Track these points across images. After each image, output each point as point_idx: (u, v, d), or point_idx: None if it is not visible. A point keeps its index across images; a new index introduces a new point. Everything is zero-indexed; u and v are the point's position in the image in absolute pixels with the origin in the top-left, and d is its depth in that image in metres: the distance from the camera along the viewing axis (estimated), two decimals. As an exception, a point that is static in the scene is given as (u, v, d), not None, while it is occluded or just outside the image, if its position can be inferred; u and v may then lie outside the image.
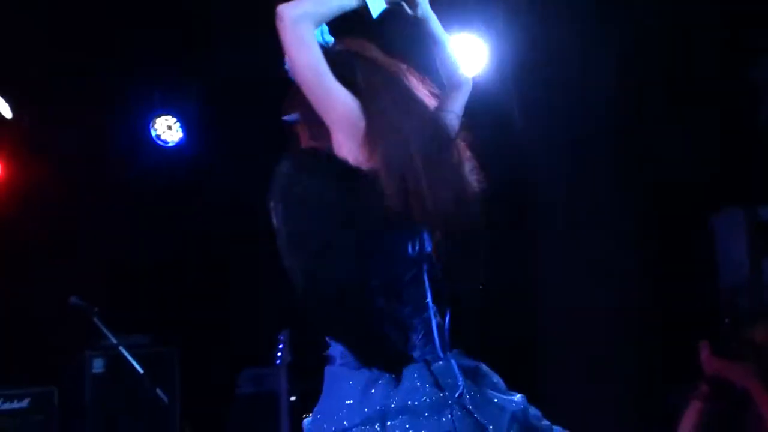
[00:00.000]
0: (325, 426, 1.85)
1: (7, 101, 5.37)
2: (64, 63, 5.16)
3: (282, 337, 4.31)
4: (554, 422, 2.01)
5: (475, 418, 1.83)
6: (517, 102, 4.74)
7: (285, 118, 2.10)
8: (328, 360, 1.94)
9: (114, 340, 4.35)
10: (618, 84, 4.52)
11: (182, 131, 5.59)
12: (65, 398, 5.05)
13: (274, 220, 1.85)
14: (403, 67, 2.08)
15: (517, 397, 1.96)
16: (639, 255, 4.50)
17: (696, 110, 4.36)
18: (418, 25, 2.17)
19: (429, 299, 1.95)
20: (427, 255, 1.96)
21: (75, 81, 5.22)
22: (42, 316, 5.23)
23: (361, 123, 1.91)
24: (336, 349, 1.93)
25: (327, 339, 1.95)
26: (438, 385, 1.84)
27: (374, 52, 2.07)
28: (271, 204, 1.86)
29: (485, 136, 5.00)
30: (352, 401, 1.82)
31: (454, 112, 2.13)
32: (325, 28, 2.09)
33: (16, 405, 4.91)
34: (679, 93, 4.41)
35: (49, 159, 5.56)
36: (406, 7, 2.13)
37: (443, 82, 2.19)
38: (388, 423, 1.78)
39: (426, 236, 1.97)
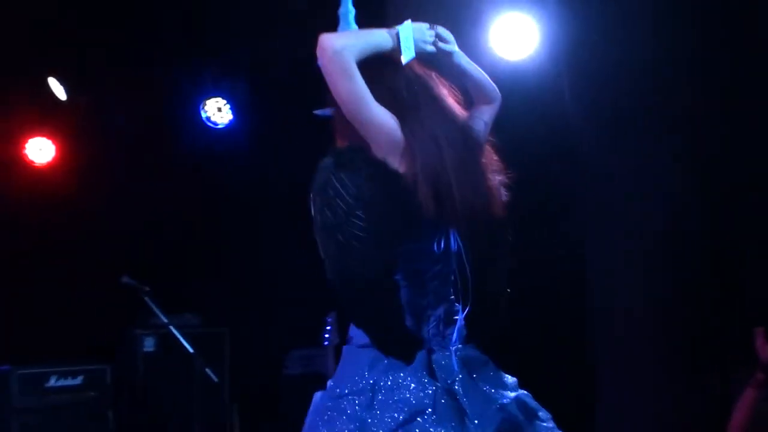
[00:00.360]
0: (326, 395, 2.08)
1: (61, 84, 5.46)
2: (117, 46, 5.22)
3: (329, 319, 4.32)
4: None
5: (459, 403, 1.99)
6: (568, 83, 4.65)
7: (316, 112, 2.24)
8: (348, 340, 2.13)
9: (165, 320, 4.41)
10: (674, 63, 4.41)
11: (232, 113, 5.62)
12: (117, 375, 5.14)
13: (312, 211, 2.02)
14: (433, 74, 2.19)
15: (512, 394, 2.09)
16: (694, 235, 4.39)
17: (758, 87, 4.23)
18: (449, 64, 2.27)
19: (451, 294, 2.13)
20: (453, 253, 2.13)
21: (127, 63, 5.28)
22: (95, 295, 5.32)
23: (401, 139, 2.04)
24: (355, 330, 2.11)
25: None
26: (432, 373, 2.03)
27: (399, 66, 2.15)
28: (311, 195, 2.03)
29: (536, 117, 4.94)
30: (359, 373, 2.03)
31: (483, 120, 2.24)
32: (352, 14, 2.25)
33: (70, 382, 5.01)
34: (740, 71, 4.28)
35: (102, 140, 5.64)
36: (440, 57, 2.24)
37: (471, 97, 2.28)
38: (379, 396, 1.98)
39: (453, 235, 2.12)
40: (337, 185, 1.99)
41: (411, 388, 1.98)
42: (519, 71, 4.58)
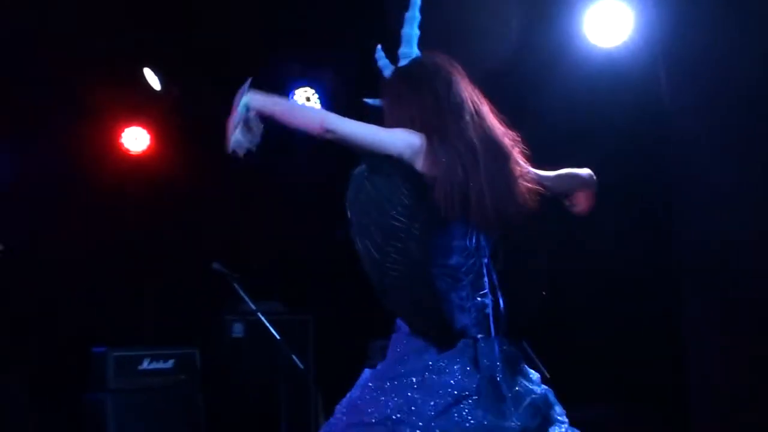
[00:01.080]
0: (376, 376, 2.26)
1: (156, 74, 5.59)
2: (209, 36, 5.31)
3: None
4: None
5: (500, 391, 2.17)
6: (664, 72, 4.52)
7: (366, 100, 2.47)
8: (396, 329, 2.31)
9: (253, 306, 4.46)
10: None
11: (320, 102, 5.65)
12: (206, 360, 5.24)
13: (348, 213, 2.21)
14: (477, 91, 2.38)
15: (542, 389, 2.29)
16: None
17: None
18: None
19: (487, 287, 2.29)
20: (484, 248, 2.29)
21: (218, 53, 5.36)
22: (187, 280, 5.43)
23: (420, 144, 2.22)
24: (400, 321, 2.30)
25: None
26: (476, 362, 2.19)
27: (460, 71, 2.37)
28: (347, 201, 2.22)
29: (629, 105, 4.79)
30: (408, 358, 2.22)
31: (545, 179, 2.46)
32: (416, 37, 2.42)
33: (161, 365, 5.12)
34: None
35: (194, 129, 5.75)
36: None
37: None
38: (427, 380, 2.15)
39: (478, 233, 2.28)
40: (371, 189, 2.19)
41: (457, 374, 2.15)
42: (613, 59, 4.48)
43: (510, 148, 2.34)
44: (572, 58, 4.56)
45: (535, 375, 2.34)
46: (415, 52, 2.44)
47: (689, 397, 4.39)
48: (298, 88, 5.64)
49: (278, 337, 4.36)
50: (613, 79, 4.50)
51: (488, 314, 2.27)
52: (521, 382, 2.25)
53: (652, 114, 4.53)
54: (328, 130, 2.20)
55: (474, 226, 2.26)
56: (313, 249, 5.76)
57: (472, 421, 2.11)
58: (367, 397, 2.23)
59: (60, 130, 5.52)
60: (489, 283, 2.29)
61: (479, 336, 2.24)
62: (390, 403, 2.15)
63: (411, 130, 2.24)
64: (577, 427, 2.30)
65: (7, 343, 4.94)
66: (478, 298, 2.26)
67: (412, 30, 2.45)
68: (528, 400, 2.21)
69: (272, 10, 5.18)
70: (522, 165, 2.37)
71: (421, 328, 2.22)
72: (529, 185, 2.33)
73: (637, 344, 4.64)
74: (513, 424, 2.13)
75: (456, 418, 2.11)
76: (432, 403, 2.12)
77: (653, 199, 4.68)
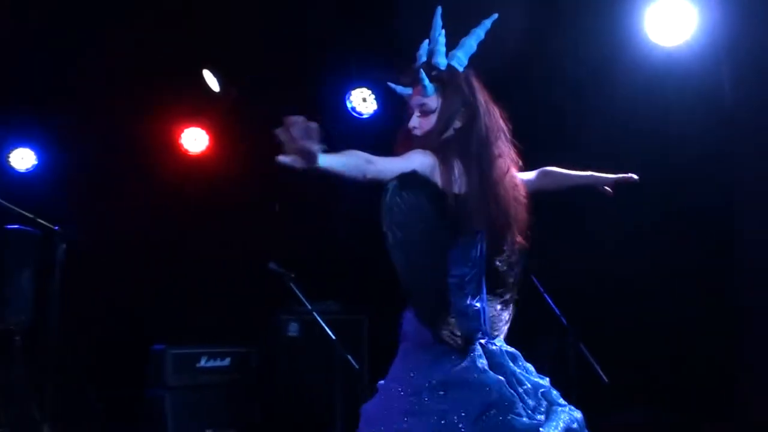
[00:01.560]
0: (398, 387, 2.41)
1: (215, 76, 5.65)
2: (267, 38, 5.35)
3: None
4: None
5: (516, 388, 2.35)
6: (728, 72, 4.41)
7: (391, 85, 2.65)
8: (403, 336, 2.51)
9: (308, 306, 4.48)
10: None
11: (377, 103, 5.65)
12: (261, 358, 5.28)
13: (383, 227, 2.35)
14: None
15: (546, 380, 2.48)
16: None
17: None
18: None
19: (484, 294, 2.48)
20: (484, 257, 2.48)
21: (277, 55, 5.40)
22: (243, 280, 5.48)
23: (432, 162, 2.43)
24: (408, 330, 2.49)
25: (400, 321, 2.54)
26: (490, 365, 2.36)
27: (493, 105, 2.56)
28: (382, 213, 2.36)
29: (692, 106, 4.68)
30: (422, 370, 2.38)
31: (528, 182, 2.70)
32: (471, 51, 2.57)
33: (218, 363, 5.19)
34: None
35: (252, 130, 5.80)
36: None
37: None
38: (453, 391, 2.31)
39: (480, 244, 2.48)
40: (402, 205, 2.35)
41: (477, 381, 2.31)
42: (674, 58, 4.39)
43: (516, 177, 2.56)
44: (632, 57, 4.49)
45: (532, 367, 2.52)
46: (465, 63, 2.58)
47: (739, 404, 4.29)
48: (355, 88, 5.65)
49: (333, 336, 4.37)
50: (672, 80, 4.42)
51: (484, 319, 2.47)
52: (528, 377, 2.44)
53: (713, 114, 4.43)
54: (368, 177, 2.37)
55: (483, 240, 2.46)
56: (368, 249, 5.75)
57: (503, 424, 2.26)
58: (401, 413, 2.34)
59: (121, 131, 5.63)
60: (483, 288, 2.49)
61: (483, 340, 2.43)
62: (424, 418, 2.29)
63: (425, 152, 2.45)
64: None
65: (68, 341, 5.06)
66: (477, 304, 2.45)
67: (474, 44, 2.60)
68: (539, 392, 2.41)
69: (329, 9, 5.20)
70: (521, 186, 2.58)
71: (437, 336, 2.38)
72: (526, 201, 2.56)
73: (695, 347, 4.56)
74: (532, 420, 2.30)
75: (489, 423, 2.26)
76: (463, 412, 2.27)
77: (715, 200, 4.58)
